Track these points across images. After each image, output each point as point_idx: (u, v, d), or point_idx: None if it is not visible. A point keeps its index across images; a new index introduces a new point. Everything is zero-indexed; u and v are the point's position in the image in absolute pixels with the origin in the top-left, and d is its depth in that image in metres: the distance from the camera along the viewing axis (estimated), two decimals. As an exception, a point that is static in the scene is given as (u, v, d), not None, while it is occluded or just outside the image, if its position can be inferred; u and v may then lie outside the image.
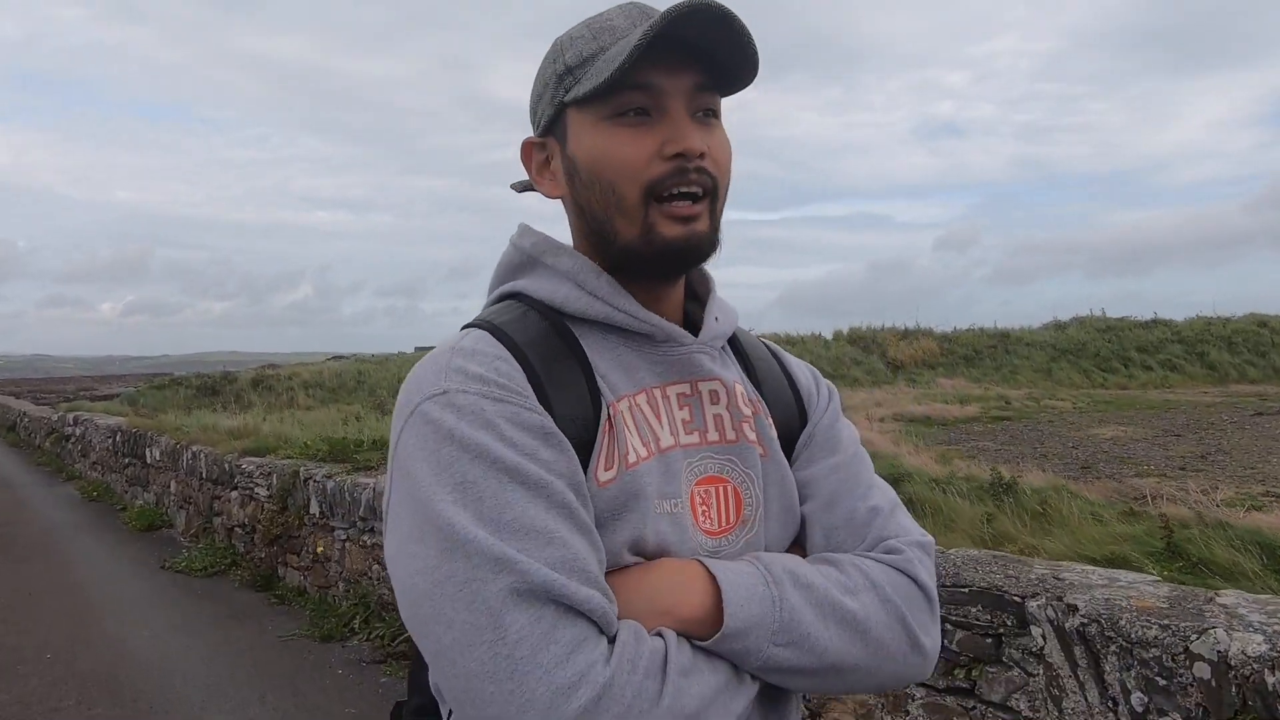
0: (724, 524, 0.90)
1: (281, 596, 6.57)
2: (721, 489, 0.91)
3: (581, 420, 0.84)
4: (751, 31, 0.84)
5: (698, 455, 0.91)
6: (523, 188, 1.00)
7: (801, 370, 1.08)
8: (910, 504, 6.66)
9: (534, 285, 0.93)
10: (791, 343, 28.73)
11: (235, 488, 7.84)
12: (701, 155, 0.87)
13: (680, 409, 0.91)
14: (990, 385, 23.07)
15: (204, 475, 8.54)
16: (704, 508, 0.90)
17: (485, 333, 0.87)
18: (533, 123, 0.96)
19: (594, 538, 0.79)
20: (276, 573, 6.96)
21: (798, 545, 0.97)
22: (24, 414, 21.00)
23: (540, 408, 0.81)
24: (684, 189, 0.87)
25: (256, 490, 7.43)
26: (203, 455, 8.66)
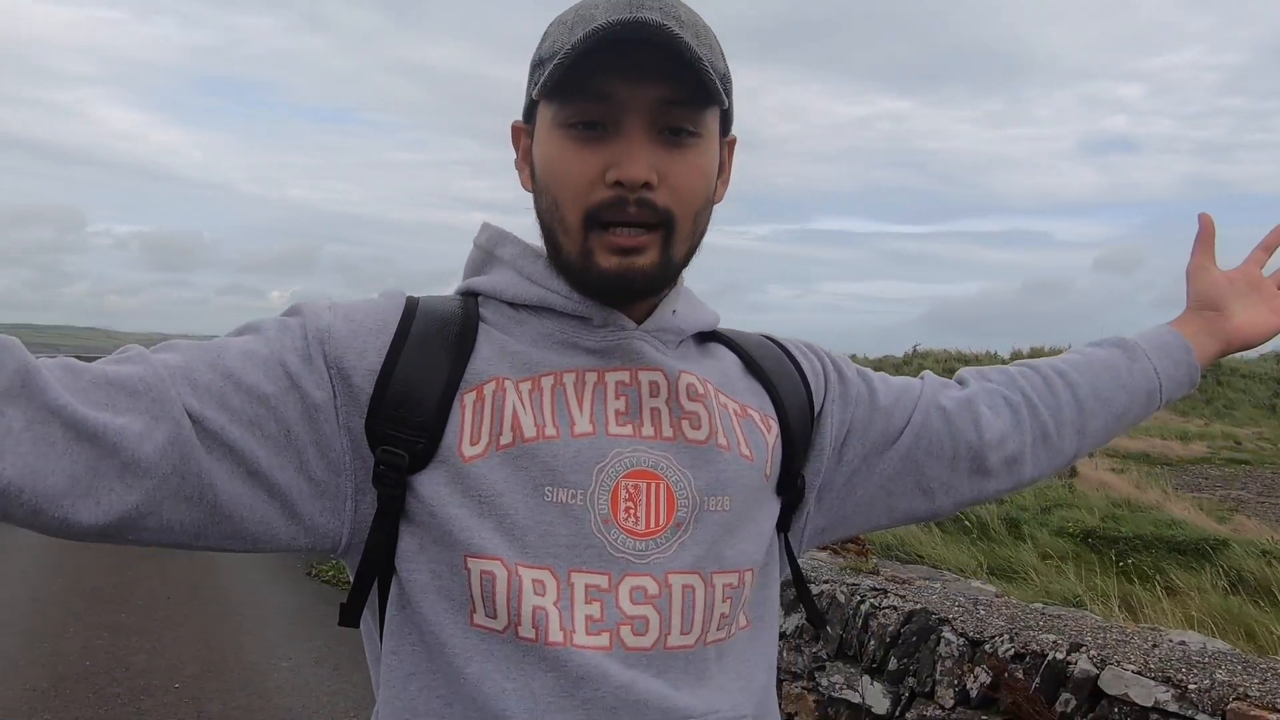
0: (653, 524, 0.81)
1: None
2: (653, 486, 0.82)
3: (426, 387, 0.80)
4: (709, 49, 0.80)
5: (629, 446, 0.82)
6: None
7: (804, 357, 0.98)
8: (1241, 581, 5.13)
9: (485, 281, 0.89)
10: (964, 361, 26.66)
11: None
12: (647, 185, 0.79)
13: (616, 398, 0.84)
14: (1205, 421, 20.47)
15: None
16: (629, 504, 0.81)
17: (402, 292, 0.88)
18: None
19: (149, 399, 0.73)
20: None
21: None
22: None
23: (333, 342, 0.80)
24: (622, 222, 0.80)
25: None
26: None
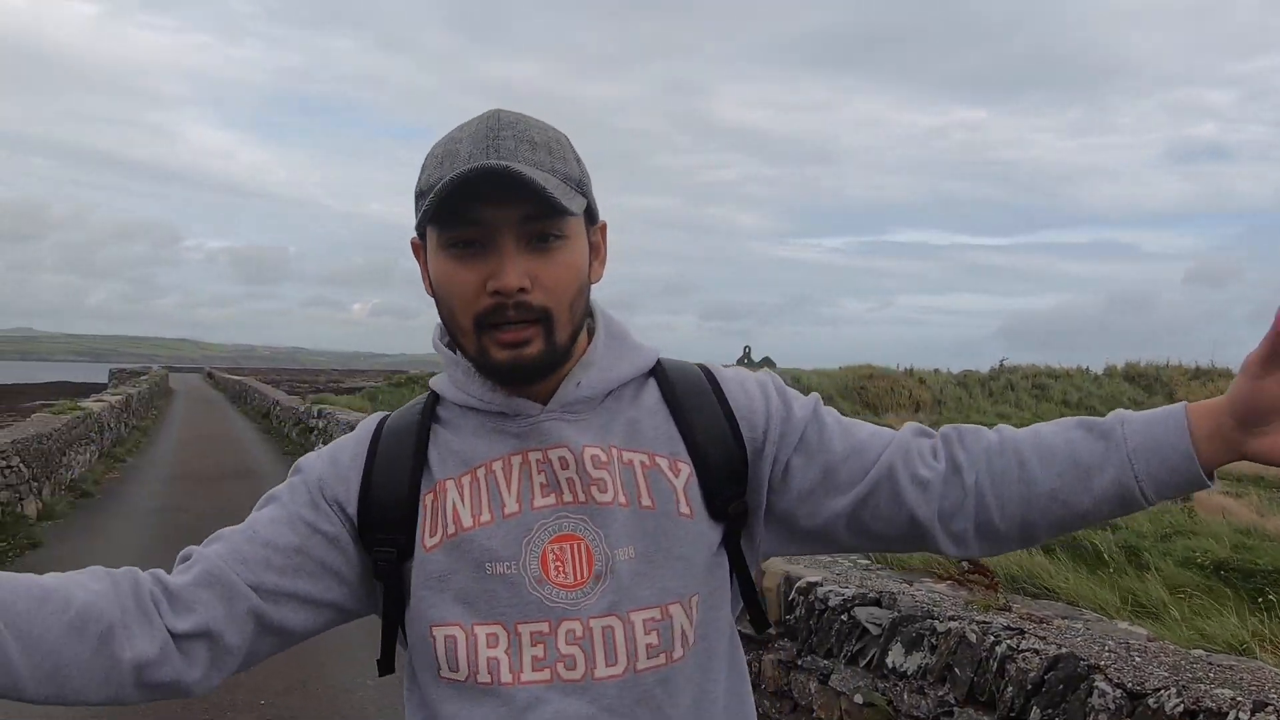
0: (579, 578, 0.97)
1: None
2: (575, 546, 0.98)
3: (394, 499, 1.02)
4: (563, 161, 0.97)
5: (553, 516, 0.99)
6: None
7: (741, 393, 1.07)
8: None
9: (436, 383, 1.09)
10: (1054, 376, 25.62)
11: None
12: (522, 290, 0.94)
13: (539, 474, 1.00)
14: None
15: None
16: (558, 564, 0.98)
17: (377, 419, 1.10)
18: None
19: (234, 543, 1.02)
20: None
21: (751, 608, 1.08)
22: (276, 402, 22.06)
23: (327, 486, 1.04)
24: (505, 325, 0.95)
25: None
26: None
